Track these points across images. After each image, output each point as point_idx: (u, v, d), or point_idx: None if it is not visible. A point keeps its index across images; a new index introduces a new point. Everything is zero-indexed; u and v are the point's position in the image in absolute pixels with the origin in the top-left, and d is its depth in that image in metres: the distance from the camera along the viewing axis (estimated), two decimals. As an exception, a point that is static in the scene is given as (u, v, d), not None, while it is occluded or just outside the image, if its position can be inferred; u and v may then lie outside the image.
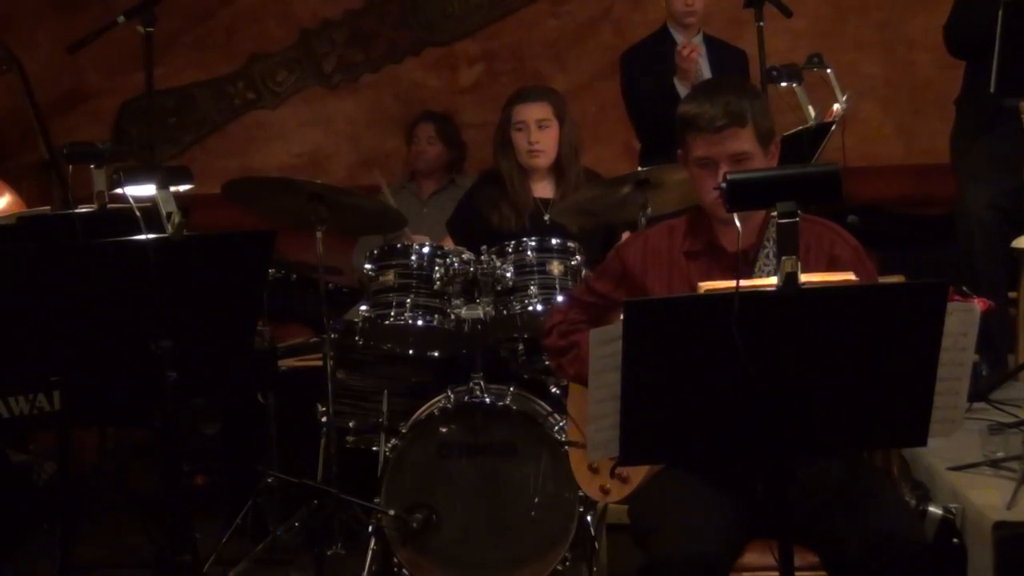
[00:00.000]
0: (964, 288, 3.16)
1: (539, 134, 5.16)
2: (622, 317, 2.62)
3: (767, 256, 3.34)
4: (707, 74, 5.74)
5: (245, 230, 3.33)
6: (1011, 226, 4.91)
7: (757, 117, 3.31)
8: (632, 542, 3.24)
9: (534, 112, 5.19)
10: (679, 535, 3.01)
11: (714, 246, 3.40)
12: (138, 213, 3.16)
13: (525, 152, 5.18)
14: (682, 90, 5.55)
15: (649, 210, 4.54)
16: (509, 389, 4.59)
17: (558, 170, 5.24)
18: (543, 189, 5.24)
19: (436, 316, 4.65)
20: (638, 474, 3.36)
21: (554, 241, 4.69)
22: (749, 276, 3.25)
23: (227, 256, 3.24)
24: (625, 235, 4.99)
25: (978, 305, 2.86)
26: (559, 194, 5.18)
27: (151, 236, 3.10)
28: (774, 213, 2.62)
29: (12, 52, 6.30)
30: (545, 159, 5.19)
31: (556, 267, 4.65)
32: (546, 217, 5.11)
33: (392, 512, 4.50)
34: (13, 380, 3.03)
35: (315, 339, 5.46)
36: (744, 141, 3.28)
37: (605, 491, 3.50)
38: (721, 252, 3.38)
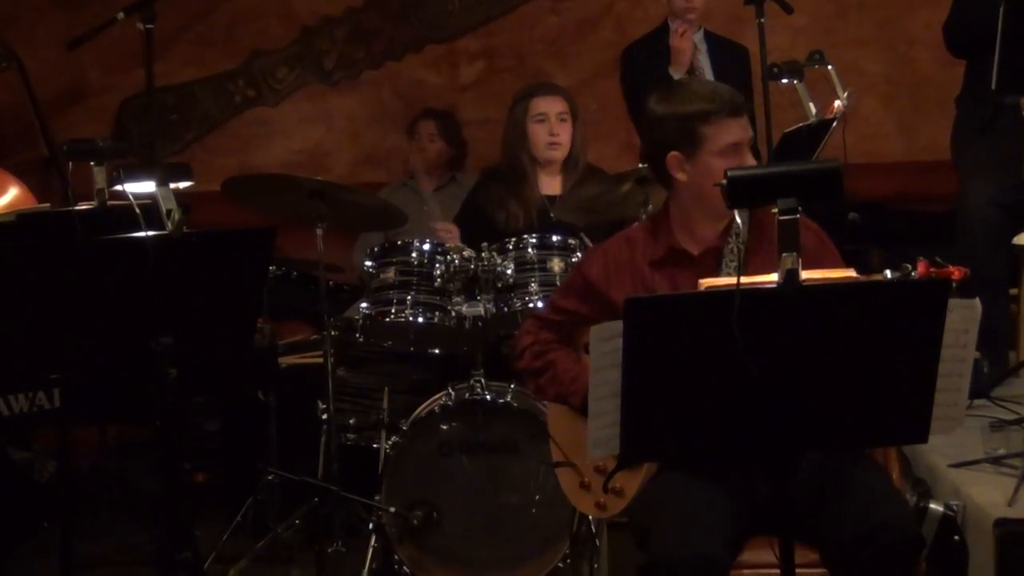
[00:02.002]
0: (937, 259, 3.15)
1: (559, 127, 5.21)
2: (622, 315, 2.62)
3: (731, 252, 3.33)
4: (708, 71, 5.73)
5: (246, 227, 3.33)
6: (1012, 223, 4.90)
7: None
8: (632, 541, 3.24)
9: (554, 105, 5.23)
10: (678, 535, 3.01)
11: (676, 251, 3.37)
12: (138, 210, 3.16)
13: (544, 144, 5.20)
14: (675, 77, 5.55)
15: (650, 207, 4.55)
16: (510, 386, 4.58)
17: (567, 167, 5.25)
18: (551, 185, 5.26)
19: (437, 313, 4.65)
20: (632, 485, 3.32)
21: (555, 238, 4.69)
22: (715, 275, 3.25)
23: (227, 253, 3.24)
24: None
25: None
26: (566, 190, 5.19)
27: (151, 233, 3.10)
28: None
29: (12, 49, 6.31)
30: (562, 152, 5.22)
31: (557, 264, 4.65)
32: (552, 214, 5.12)
33: (393, 509, 4.50)
34: (13, 377, 3.03)
35: (316, 336, 5.45)
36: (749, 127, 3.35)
37: (601, 507, 3.45)
38: (684, 256, 3.37)
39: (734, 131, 3.28)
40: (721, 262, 3.34)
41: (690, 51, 5.56)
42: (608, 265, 3.45)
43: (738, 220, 3.26)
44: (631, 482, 3.31)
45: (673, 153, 3.33)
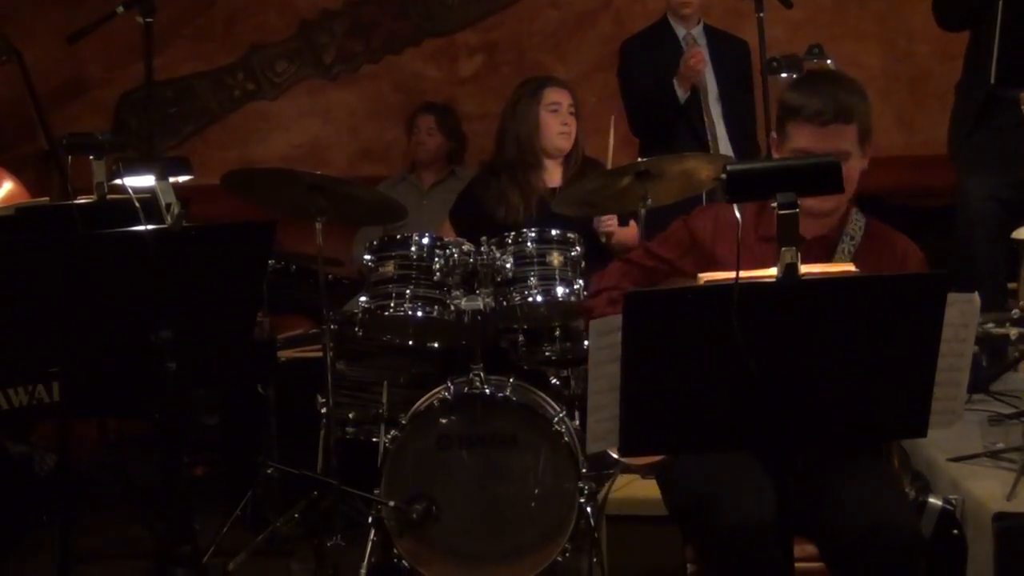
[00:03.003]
0: None
1: (569, 118, 5.24)
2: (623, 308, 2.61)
3: (843, 252, 3.33)
4: (708, 66, 5.73)
5: (245, 221, 3.33)
6: (1011, 217, 4.91)
7: (862, 117, 3.27)
8: (672, 514, 3.26)
9: (565, 97, 5.30)
10: (737, 502, 3.00)
11: None
12: (137, 204, 3.16)
13: (556, 133, 5.24)
14: (680, 92, 5.57)
15: (649, 201, 4.55)
16: (509, 380, 4.58)
17: (568, 160, 5.28)
18: (552, 177, 5.27)
19: (436, 307, 4.64)
20: None
21: (554, 232, 4.69)
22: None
23: (227, 247, 3.24)
24: (631, 223, 5.00)
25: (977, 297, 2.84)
26: (564, 183, 5.20)
27: (150, 227, 3.10)
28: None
29: (12, 43, 6.30)
30: (570, 143, 5.25)
31: (556, 258, 4.64)
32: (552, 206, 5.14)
33: (392, 503, 4.50)
34: (12, 371, 3.03)
35: (315, 330, 5.45)
36: (848, 140, 3.24)
37: None
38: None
39: (808, 139, 3.24)
40: (834, 252, 3.32)
41: (699, 77, 5.58)
42: (718, 225, 3.44)
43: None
44: None
45: (773, 134, 3.36)
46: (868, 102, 3.35)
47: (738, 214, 2.73)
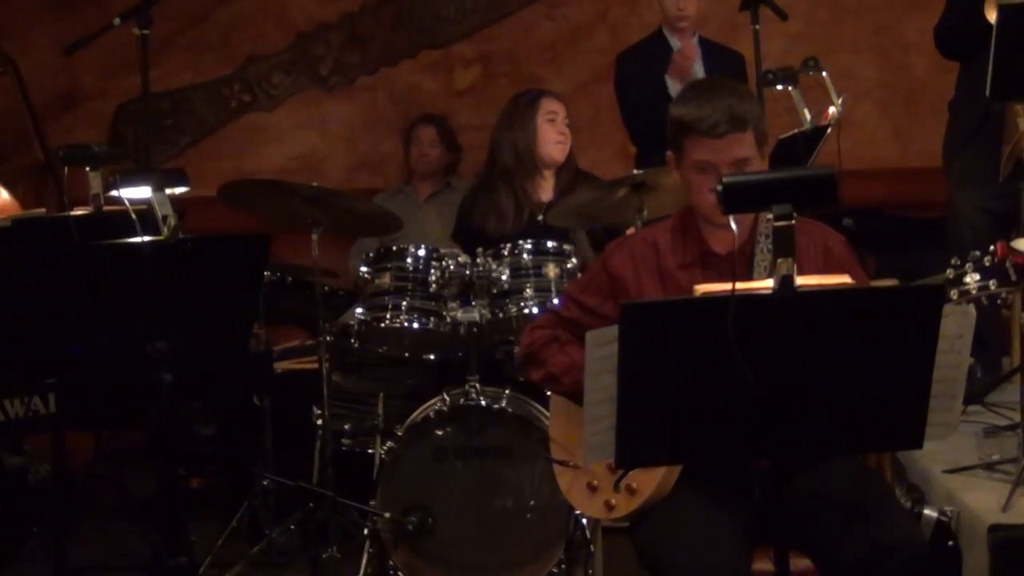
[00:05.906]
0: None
1: (565, 129, 5.28)
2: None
3: (762, 252, 3.30)
4: (701, 76, 5.74)
5: (241, 233, 3.34)
6: (1002, 229, 4.91)
7: (756, 121, 3.26)
8: (640, 562, 3.18)
9: (561, 108, 5.32)
10: (693, 550, 2.97)
11: (706, 253, 3.33)
12: (134, 215, 3.17)
13: (552, 142, 5.24)
14: (673, 87, 5.57)
15: (645, 213, 4.55)
16: (504, 392, 4.59)
17: (560, 172, 5.29)
18: (545, 190, 5.28)
19: (432, 319, 4.65)
20: (648, 483, 3.19)
21: (550, 244, 4.70)
22: (748, 277, 3.22)
23: (223, 258, 3.25)
24: (630, 231, 5.01)
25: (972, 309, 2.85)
26: (557, 196, 5.21)
27: (147, 238, 3.11)
28: (768, 215, 2.60)
29: (8, 54, 6.30)
30: (564, 154, 5.26)
31: (552, 270, 4.65)
32: (539, 217, 5.14)
33: (387, 515, 4.50)
34: (8, 382, 3.04)
35: (311, 342, 5.45)
36: (746, 146, 3.22)
37: (611, 507, 3.29)
38: (714, 257, 3.32)
39: (706, 151, 3.23)
40: (753, 263, 3.29)
41: (690, 70, 5.58)
42: (635, 261, 3.38)
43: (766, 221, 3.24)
44: (646, 479, 3.20)
45: (669, 152, 3.34)
46: (759, 104, 3.37)
47: (734, 225, 2.74)
